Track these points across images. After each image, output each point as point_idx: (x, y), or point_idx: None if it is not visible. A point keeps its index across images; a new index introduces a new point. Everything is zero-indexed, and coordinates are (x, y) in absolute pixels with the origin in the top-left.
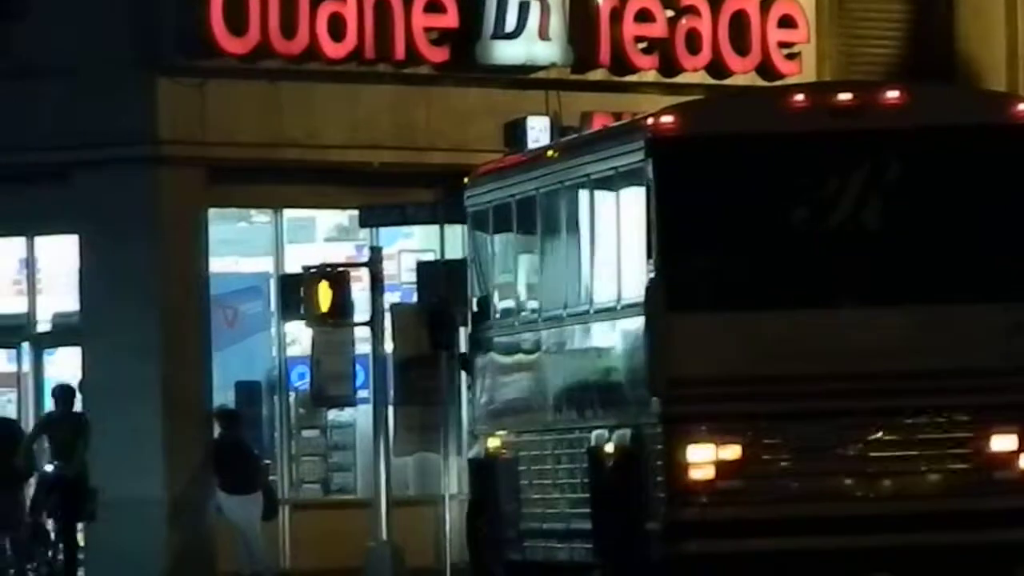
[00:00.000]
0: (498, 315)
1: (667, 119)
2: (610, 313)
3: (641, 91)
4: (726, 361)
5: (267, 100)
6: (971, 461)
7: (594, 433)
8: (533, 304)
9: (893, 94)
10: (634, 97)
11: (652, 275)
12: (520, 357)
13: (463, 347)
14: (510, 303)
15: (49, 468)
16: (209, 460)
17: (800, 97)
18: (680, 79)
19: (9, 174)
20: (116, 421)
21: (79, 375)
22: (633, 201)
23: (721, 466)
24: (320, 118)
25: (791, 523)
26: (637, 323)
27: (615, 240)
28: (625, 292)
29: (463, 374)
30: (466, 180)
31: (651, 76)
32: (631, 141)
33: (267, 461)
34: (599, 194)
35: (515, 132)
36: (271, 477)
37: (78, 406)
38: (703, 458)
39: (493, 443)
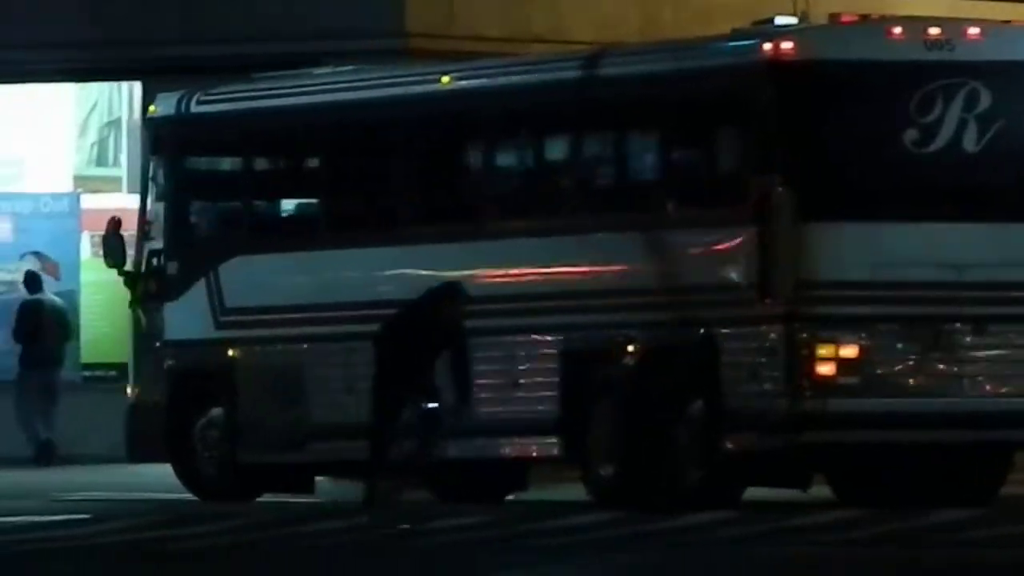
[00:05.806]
0: (272, 228)
1: (788, 45)
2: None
3: None
4: (844, 267)
5: None
6: None
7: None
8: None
9: (975, 30)
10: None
11: (778, 188)
12: (335, 267)
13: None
14: (298, 219)
15: None
16: None
17: (899, 30)
18: None
19: (253, 64)
20: None
21: None
22: (720, 119)
23: (841, 363)
24: (567, 14)
25: (902, 417)
26: (721, 233)
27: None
28: (692, 205)
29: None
30: (180, 98)
31: None
32: (735, 63)
33: None
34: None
35: None
36: None
37: None
38: (825, 354)
39: (234, 351)
